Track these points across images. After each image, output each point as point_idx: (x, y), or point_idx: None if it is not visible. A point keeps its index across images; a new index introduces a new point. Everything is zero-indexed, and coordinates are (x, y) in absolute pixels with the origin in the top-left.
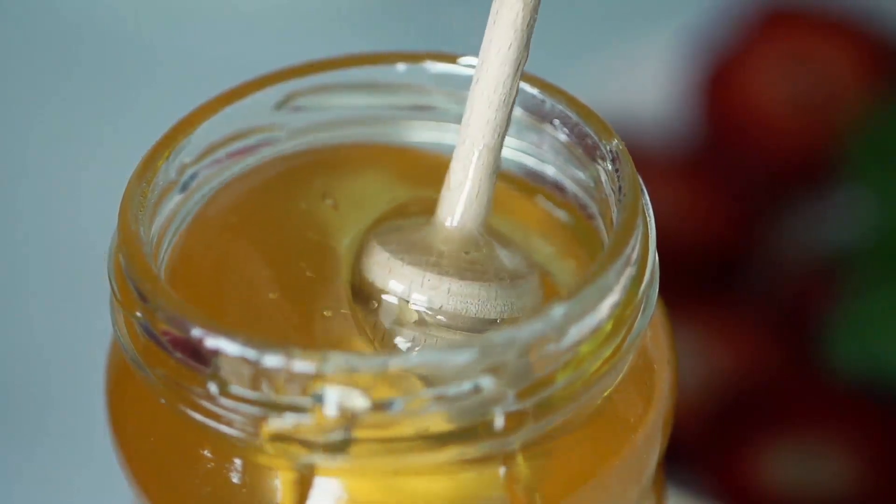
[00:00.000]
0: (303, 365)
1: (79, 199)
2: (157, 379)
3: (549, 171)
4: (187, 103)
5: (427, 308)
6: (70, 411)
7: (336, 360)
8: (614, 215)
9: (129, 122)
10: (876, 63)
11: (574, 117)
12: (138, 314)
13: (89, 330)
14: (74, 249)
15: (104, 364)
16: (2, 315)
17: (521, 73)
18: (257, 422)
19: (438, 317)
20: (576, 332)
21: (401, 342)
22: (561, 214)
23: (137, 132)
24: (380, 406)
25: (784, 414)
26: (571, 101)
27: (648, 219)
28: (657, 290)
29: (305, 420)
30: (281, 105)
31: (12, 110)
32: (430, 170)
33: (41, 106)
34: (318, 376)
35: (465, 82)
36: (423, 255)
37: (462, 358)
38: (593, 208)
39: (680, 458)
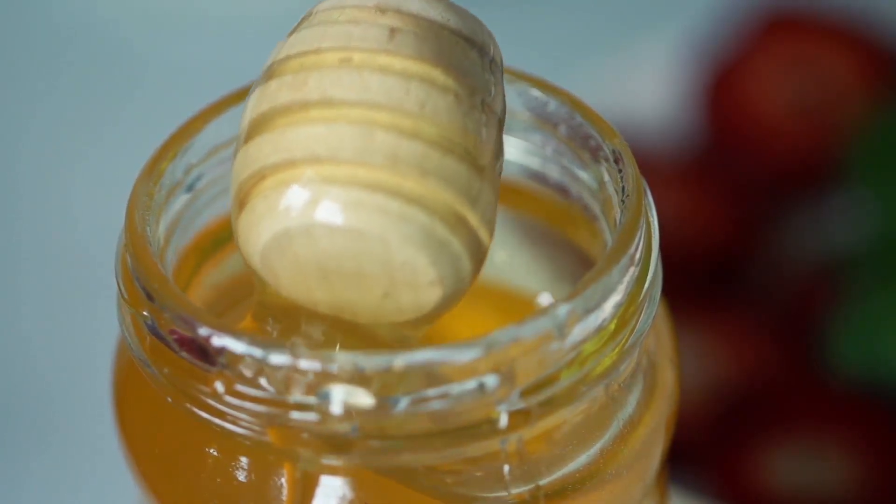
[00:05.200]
0: (308, 364)
1: (84, 200)
2: (163, 378)
3: (553, 171)
4: (188, 106)
5: None
6: (76, 410)
7: (342, 359)
8: (618, 216)
9: (131, 124)
10: (877, 67)
11: (577, 118)
12: (145, 313)
13: (96, 329)
14: (79, 250)
15: (111, 363)
16: (7, 315)
17: None
18: (263, 420)
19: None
20: (579, 330)
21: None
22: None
23: (139, 134)
24: (385, 404)
25: (786, 415)
26: (574, 103)
27: (652, 219)
28: (660, 290)
29: (311, 419)
30: None
31: (10, 113)
32: None
33: (39, 109)
34: (324, 375)
35: None
36: None
37: (466, 356)
38: (597, 209)
39: (682, 459)
